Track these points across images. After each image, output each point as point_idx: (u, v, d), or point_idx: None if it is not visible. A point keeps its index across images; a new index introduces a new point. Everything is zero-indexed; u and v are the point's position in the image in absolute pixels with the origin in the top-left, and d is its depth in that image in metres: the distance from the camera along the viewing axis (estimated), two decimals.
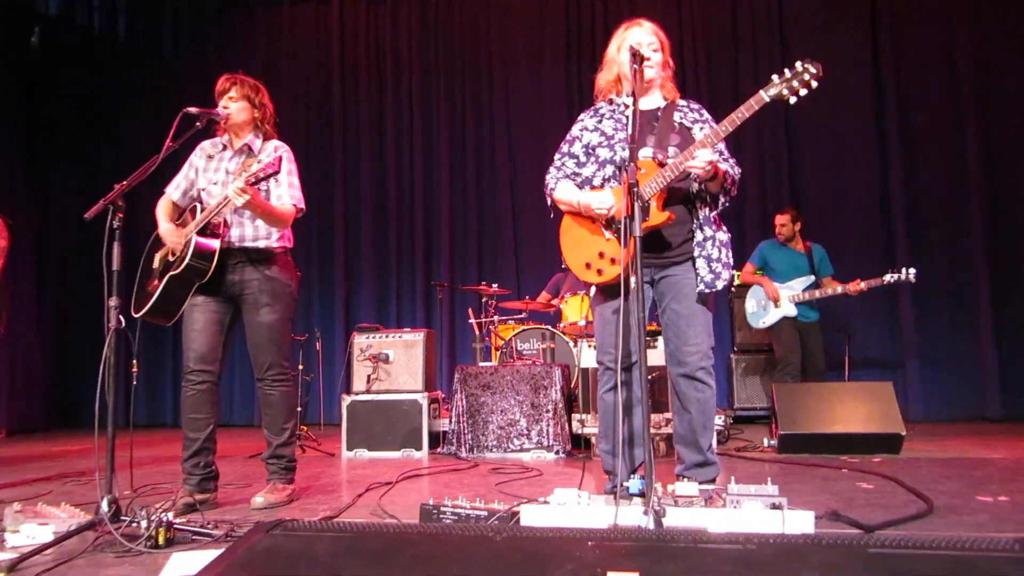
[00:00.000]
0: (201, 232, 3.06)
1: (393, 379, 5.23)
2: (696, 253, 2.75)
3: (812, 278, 5.65)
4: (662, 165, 2.66)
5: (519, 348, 5.87)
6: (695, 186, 2.76)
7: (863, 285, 5.37)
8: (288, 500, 3.21)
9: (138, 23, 9.23)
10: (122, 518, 2.45)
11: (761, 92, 2.52)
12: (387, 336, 5.36)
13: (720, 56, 7.67)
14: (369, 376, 5.24)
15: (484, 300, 6.24)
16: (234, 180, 2.99)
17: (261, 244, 3.19)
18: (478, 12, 8.26)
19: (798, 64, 2.46)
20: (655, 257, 2.77)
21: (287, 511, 3.05)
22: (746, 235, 7.16)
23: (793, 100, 2.50)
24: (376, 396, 5.16)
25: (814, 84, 2.47)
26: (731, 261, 2.81)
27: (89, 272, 7.67)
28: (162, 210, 3.27)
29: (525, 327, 6.06)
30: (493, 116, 8.13)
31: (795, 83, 2.48)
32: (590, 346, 4.91)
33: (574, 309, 5.80)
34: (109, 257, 2.63)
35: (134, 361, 2.97)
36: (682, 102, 2.92)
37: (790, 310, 5.63)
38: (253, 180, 2.86)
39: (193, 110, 2.98)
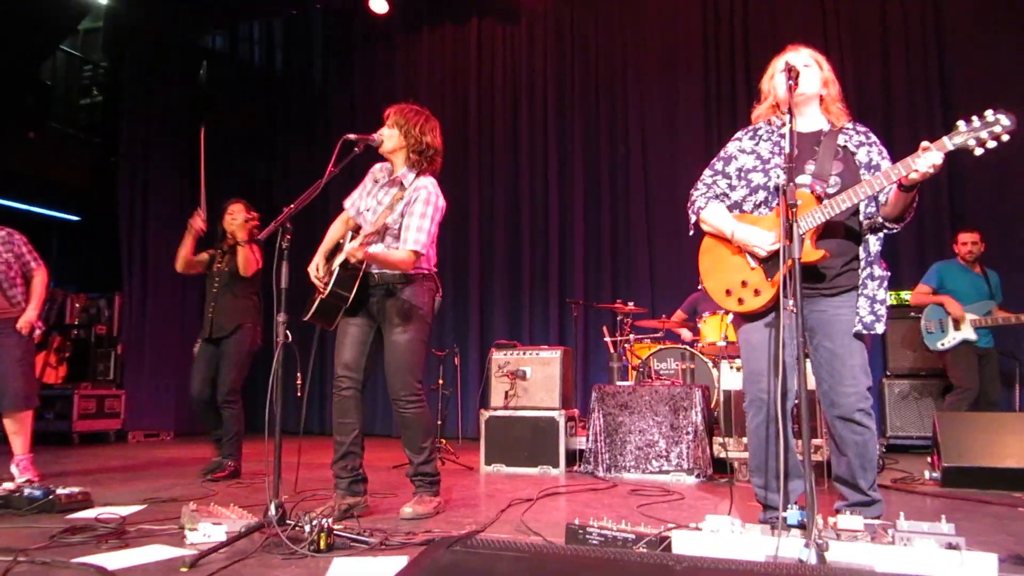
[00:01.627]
0: (343, 265, 3.24)
1: (530, 396, 5.28)
2: (860, 291, 2.60)
3: (993, 303, 5.38)
4: (820, 199, 2.53)
5: (656, 368, 5.78)
6: (865, 220, 2.60)
7: None
8: (435, 512, 3.31)
9: (292, 55, 9.91)
10: (287, 522, 2.60)
11: (945, 139, 2.30)
12: (524, 353, 5.43)
13: (868, 64, 7.26)
14: (507, 392, 5.32)
15: (619, 318, 6.19)
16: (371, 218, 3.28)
17: (387, 271, 3.31)
18: (614, 30, 8.25)
19: (988, 113, 2.25)
20: (805, 289, 2.59)
21: (434, 523, 3.14)
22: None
23: (979, 152, 2.28)
24: (514, 412, 5.22)
25: (1005, 138, 2.25)
26: (887, 298, 2.64)
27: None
28: (333, 227, 3.51)
29: (663, 346, 5.96)
30: (628, 133, 8.07)
31: (983, 134, 2.26)
32: (731, 367, 4.77)
33: (713, 329, 5.66)
34: (279, 275, 2.82)
35: (299, 374, 3.14)
36: (848, 125, 2.74)
37: (970, 334, 5.35)
38: (373, 231, 3.11)
39: (352, 137, 3.14)
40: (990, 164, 6.63)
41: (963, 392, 5.32)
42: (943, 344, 5.44)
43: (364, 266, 3.24)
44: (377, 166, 3.53)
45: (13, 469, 4.45)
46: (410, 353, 3.30)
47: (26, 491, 3.33)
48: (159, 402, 8.39)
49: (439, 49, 9.05)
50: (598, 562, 1.03)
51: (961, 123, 2.29)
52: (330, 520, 2.56)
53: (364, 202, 3.43)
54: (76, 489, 3.43)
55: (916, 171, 2.32)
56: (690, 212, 2.88)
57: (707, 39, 7.84)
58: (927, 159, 2.30)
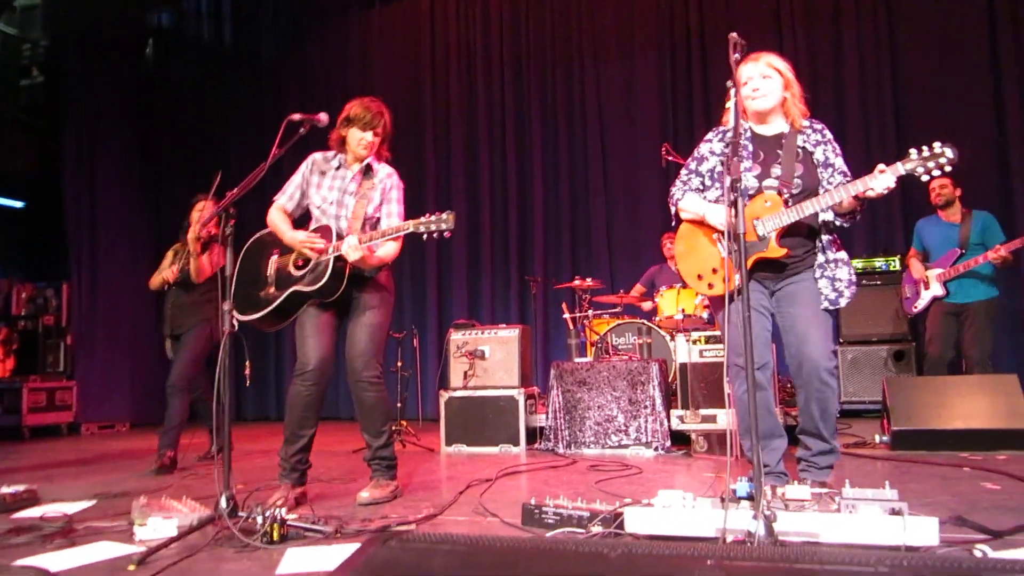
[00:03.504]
0: (336, 259, 3.12)
1: (489, 375, 5.28)
2: (818, 275, 2.87)
3: (957, 251, 5.07)
4: (787, 202, 2.79)
5: (614, 343, 5.81)
6: (822, 216, 2.85)
7: (1003, 251, 4.81)
8: (392, 496, 3.29)
9: (241, 31, 9.65)
10: (239, 514, 2.56)
11: (898, 164, 2.59)
12: (483, 332, 5.41)
13: (821, 32, 7.27)
14: (466, 372, 5.30)
15: (578, 295, 6.21)
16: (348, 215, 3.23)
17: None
18: (569, 4, 8.18)
19: (936, 145, 2.55)
20: (773, 275, 2.92)
21: (391, 507, 3.12)
22: None
23: (925, 178, 2.59)
24: (473, 392, 5.21)
25: (948, 169, 2.55)
26: (854, 278, 2.88)
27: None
28: (281, 219, 3.33)
29: (620, 321, 5.99)
30: (585, 110, 8.04)
31: (930, 164, 2.55)
32: (687, 340, 4.82)
33: (670, 303, 5.71)
34: (223, 262, 2.75)
35: (247, 363, 3.07)
36: (806, 123, 2.95)
37: (937, 290, 5.12)
38: (368, 240, 3.05)
39: (297, 117, 3.04)
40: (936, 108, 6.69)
41: (931, 358, 5.14)
42: (916, 308, 5.29)
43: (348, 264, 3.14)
44: (319, 156, 3.41)
45: None
46: (378, 337, 3.31)
47: None
48: (113, 392, 8.22)
49: (393, 24, 8.90)
50: (534, 552, 1.03)
51: (913, 151, 2.58)
52: (283, 511, 2.53)
53: (318, 195, 3.34)
54: (21, 487, 3.34)
55: (872, 190, 2.61)
56: (671, 206, 3.12)
57: (661, 15, 7.80)
58: (882, 181, 2.59)
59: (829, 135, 2.96)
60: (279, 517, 2.46)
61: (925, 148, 2.56)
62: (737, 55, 2.54)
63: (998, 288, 5.15)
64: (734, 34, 2.42)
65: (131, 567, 2.22)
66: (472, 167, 8.41)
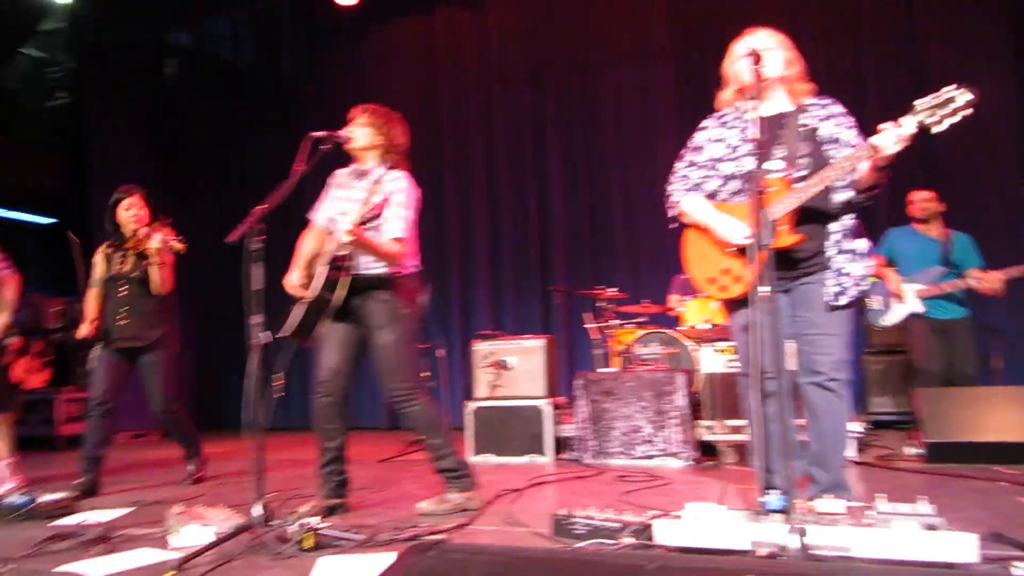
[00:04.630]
0: (331, 264, 3.18)
1: (515, 385, 5.29)
2: (828, 265, 2.63)
3: (942, 269, 4.91)
4: (792, 184, 2.54)
5: (640, 353, 5.79)
6: (835, 196, 2.61)
7: (1001, 275, 4.67)
8: (454, 510, 3.18)
9: (261, 50, 9.80)
10: (272, 523, 2.60)
11: (902, 119, 2.30)
12: (508, 343, 5.43)
13: (838, 42, 7.23)
14: (491, 383, 5.32)
15: (599, 304, 6.19)
16: (349, 215, 3.18)
17: (374, 271, 3.25)
18: (584, 14, 8.19)
19: (946, 89, 2.24)
20: (786, 272, 2.65)
21: (423, 517, 3.13)
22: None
23: (939, 128, 2.27)
24: (499, 402, 5.23)
25: (967, 112, 2.22)
26: (868, 272, 2.65)
27: (231, 287, 8.24)
28: (306, 241, 3.41)
29: (646, 331, 5.98)
30: (601, 117, 8.04)
31: (942, 111, 2.25)
32: (714, 351, 4.79)
33: (695, 312, 5.69)
34: (250, 277, 2.80)
35: (279, 375, 3.13)
36: (810, 100, 2.74)
37: (916, 306, 4.97)
38: (360, 222, 3.05)
39: (319, 134, 3.09)
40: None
41: (920, 373, 4.95)
42: (885, 321, 5.14)
43: (350, 268, 3.19)
44: (341, 171, 3.48)
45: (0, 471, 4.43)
46: (396, 355, 3.24)
47: (8, 499, 3.31)
48: (144, 402, 8.29)
49: (408, 39, 8.96)
50: (571, 563, 1.04)
51: (918, 101, 2.29)
52: (316, 519, 2.56)
53: (334, 207, 3.39)
54: (60, 495, 3.42)
55: (882, 149, 2.33)
56: (668, 208, 2.90)
57: (676, 22, 7.80)
58: (887, 136, 2.31)
59: (839, 108, 2.70)
60: (312, 526, 2.49)
61: (933, 96, 2.28)
62: (755, 66, 2.50)
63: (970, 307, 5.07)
64: (753, 45, 2.40)
65: (169, 573, 2.27)
66: (491, 178, 8.42)
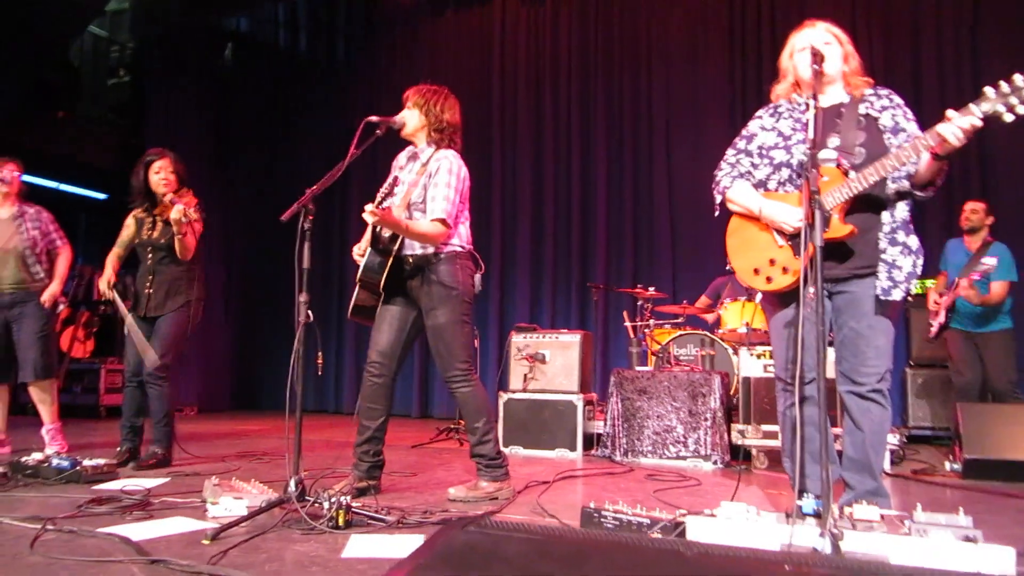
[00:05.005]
0: (373, 244, 3.23)
1: (549, 379, 5.30)
2: (880, 256, 2.54)
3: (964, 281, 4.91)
4: (847, 173, 2.49)
5: (676, 353, 5.76)
6: (891, 186, 2.54)
7: (964, 282, 4.76)
8: (486, 498, 3.21)
9: (316, 37, 9.94)
10: (306, 498, 2.65)
11: (972, 106, 2.22)
12: (544, 336, 5.44)
13: (899, 44, 7.09)
14: (525, 375, 5.34)
15: (640, 303, 6.18)
16: (398, 197, 3.26)
17: (419, 251, 3.27)
18: (639, 8, 8.16)
19: (1018, 77, 2.17)
20: (835, 268, 2.57)
21: (450, 503, 3.16)
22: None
23: (1010, 118, 2.20)
24: (532, 395, 5.24)
25: None
26: (917, 271, 2.56)
27: (272, 269, 8.35)
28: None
29: (682, 332, 5.94)
30: (651, 114, 8.00)
31: (1013, 99, 2.18)
32: (751, 354, 4.74)
33: (734, 315, 5.63)
34: (300, 256, 2.85)
35: (319, 353, 3.18)
36: (869, 91, 2.67)
37: (941, 317, 5.05)
38: (405, 204, 3.18)
39: (374, 119, 3.14)
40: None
41: (959, 386, 5.03)
42: (931, 334, 5.20)
43: (396, 249, 3.21)
44: (400, 155, 3.53)
45: (44, 435, 4.60)
46: (450, 335, 3.25)
47: (54, 462, 3.42)
48: (183, 378, 8.52)
49: (463, 30, 9.02)
50: (610, 546, 1.05)
51: (989, 89, 2.22)
52: (348, 498, 2.60)
53: (391, 188, 3.44)
54: (102, 460, 3.51)
55: (946, 140, 2.26)
56: (715, 192, 2.84)
57: (732, 16, 7.72)
58: (951, 126, 2.24)
59: (899, 100, 2.63)
60: (345, 504, 2.53)
61: (1004, 83, 2.19)
62: (816, 66, 2.49)
63: (1012, 320, 5.01)
64: (812, 38, 2.36)
65: (205, 541, 2.32)
66: (537, 171, 8.44)
